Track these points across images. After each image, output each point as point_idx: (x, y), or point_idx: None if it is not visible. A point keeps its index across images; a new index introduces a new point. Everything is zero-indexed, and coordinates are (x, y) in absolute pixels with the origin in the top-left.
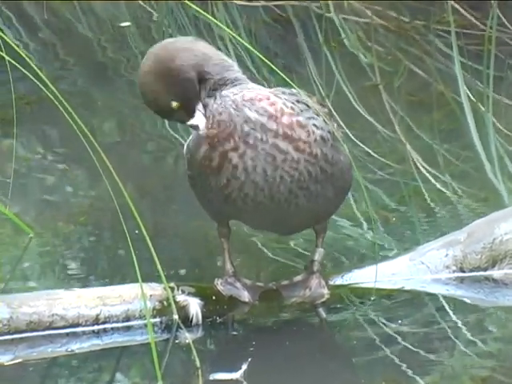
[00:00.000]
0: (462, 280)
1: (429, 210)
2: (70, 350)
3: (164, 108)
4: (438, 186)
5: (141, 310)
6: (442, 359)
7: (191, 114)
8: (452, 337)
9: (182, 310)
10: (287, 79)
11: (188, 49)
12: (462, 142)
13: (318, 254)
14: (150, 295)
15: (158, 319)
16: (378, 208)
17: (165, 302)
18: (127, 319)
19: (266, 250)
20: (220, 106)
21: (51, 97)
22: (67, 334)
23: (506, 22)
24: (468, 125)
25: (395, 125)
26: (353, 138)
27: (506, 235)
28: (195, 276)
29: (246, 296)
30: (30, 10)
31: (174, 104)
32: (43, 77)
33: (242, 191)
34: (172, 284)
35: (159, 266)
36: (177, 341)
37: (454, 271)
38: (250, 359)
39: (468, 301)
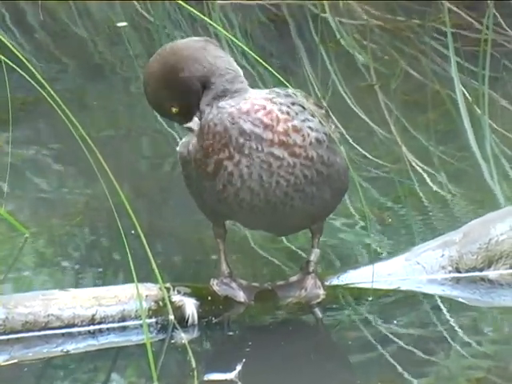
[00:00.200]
0: (457, 280)
1: (424, 210)
2: (65, 350)
3: (164, 111)
4: (434, 186)
5: (136, 311)
6: (437, 359)
7: (189, 119)
8: (448, 337)
9: (178, 310)
10: (283, 80)
11: (197, 59)
12: (457, 142)
13: (314, 255)
14: (146, 295)
15: (153, 319)
16: (374, 208)
17: (160, 303)
18: (123, 319)
19: (261, 251)
20: (216, 118)
21: (47, 97)
22: (63, 335)
23: (502, 23)
24: (464, 125)
25: (391, 125)
26: (348, 138)
27: (502, 236)
28: (191, 276)
29: (241, 296)
30: (25, 10)
31: (174, 109)
32: (39, 77)
33: (238, 196)
34: (168, 284)
35: (155, 266)
36: (172, 341)
37: (449, 272)
38: (244, 360)
39: (464, 301)
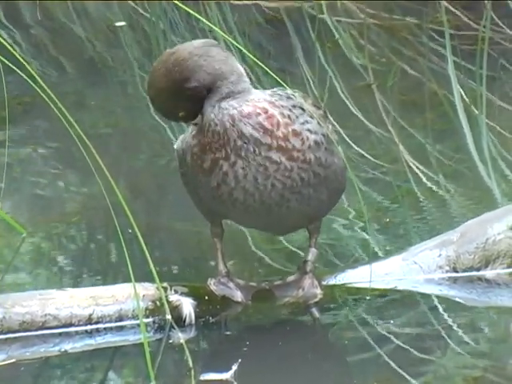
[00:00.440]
0: (454, 280)
1: (422, 209)
2: (62, 349)
3: (172, 117)
4: (431, 186)
5: (134, 310)
6: (434, 359)
7: (193, 119)
8: (445, 336)
9: (175, 309)
10: (280, 81)
11: (202, 67)
12: (454, 142)
13: (311, 254)
14: (143, 295)
15: (150, 319)
16: (371, 208)
17: (158, 302)
18: (120, 319)
19: (258, 250)
20: (217, 118)
21: (44, 97)
22: (60, 334)
23: (499, 22)
24: (461, 125)
25: (388, 125)
26: (346, 138)
27: (499, 235)
28: (188, 276)
29: (238, 296)
30: (23, 10)
31: (181, 114)
32: (36, 77)
33: (232, 196)
34: (165, 284)
35: (152, 266)
36: (170, 341)
37: (446, 271)
38: (240, 360)
39: (461, 301)
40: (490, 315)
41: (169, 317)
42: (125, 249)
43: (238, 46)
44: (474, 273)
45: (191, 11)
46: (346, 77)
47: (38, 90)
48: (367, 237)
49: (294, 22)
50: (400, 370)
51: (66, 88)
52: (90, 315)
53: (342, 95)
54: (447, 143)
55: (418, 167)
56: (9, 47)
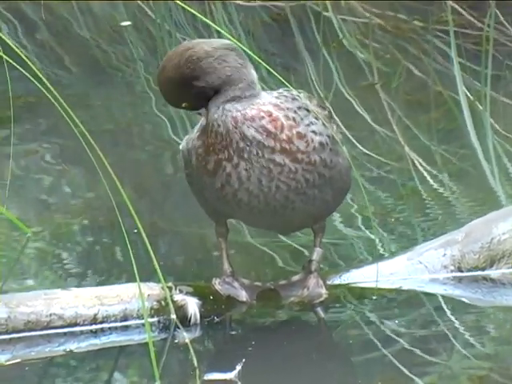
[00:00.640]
0: (459, 280)
1: (427, 209)
2: (67, 349)
3: (175, 105)
4: (436, 185)
5: (138, 310)
6: (439, 359)
7: (197, 109)
8: (450, 337)
9: (180, 309)
10: (284, 81)
11: (215, 69)
12: (459, 142)
13: (316, 254)
14: (148, 295)
15: (155, 319)
16: (376, 207)
17: (163, 302)
18: (125, 319)
19: (263, 250)
20: (220, 119)
21: (49, 96)
22: (65, 334)
23: (505, 22)
24: (466, 124)
25: (393, 124)
26: (351, 137)
27: (504, 235)
28: (193, 275)
29: (243, 296)
30: (27, 10)
31: (185, 105)
32: (41, 77)
33: (236, 196)
34: (170, 283)
35: (157, 266)
36: (175, 340)
37: (451, 271)
38: (244, 359)
39: (466, 300)
40: (495, 315)
41: (174, 316)
42: (130, 248)
43: (242, 46)
44: (479, 272)
45: (195, 12)
46: (350, 76)
47: (42, 89)
48: (372, 236)
49: (298, 20)
50: (405, 370)
51: (70, 87)
52: (95, 315)
53: (346, 95)
54: (452, 142)
55: (423, 166)
56: (12, 45)
